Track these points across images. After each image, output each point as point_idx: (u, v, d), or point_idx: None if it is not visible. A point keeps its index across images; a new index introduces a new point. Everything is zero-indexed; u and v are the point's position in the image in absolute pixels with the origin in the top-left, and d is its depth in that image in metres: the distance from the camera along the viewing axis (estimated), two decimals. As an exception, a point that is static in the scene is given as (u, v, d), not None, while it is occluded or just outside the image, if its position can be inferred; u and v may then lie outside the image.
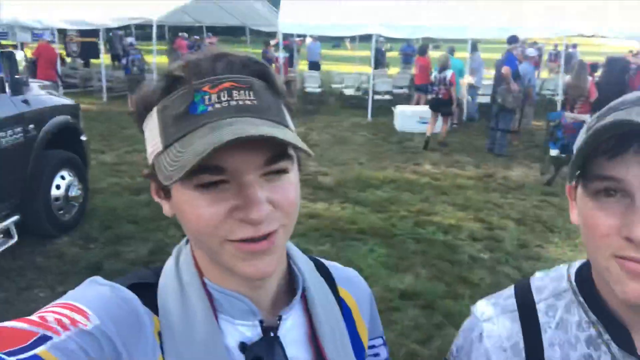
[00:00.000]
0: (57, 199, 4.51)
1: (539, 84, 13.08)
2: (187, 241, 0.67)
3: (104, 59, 13.87)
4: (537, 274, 0.78)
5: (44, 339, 0.50)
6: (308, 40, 16.73)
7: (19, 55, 3.99)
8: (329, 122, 10.66)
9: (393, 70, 15.78)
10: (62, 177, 4.59)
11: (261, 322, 0.64)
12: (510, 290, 0.78)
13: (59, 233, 4.54)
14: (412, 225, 5.12)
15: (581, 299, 0.70)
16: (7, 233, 3.83)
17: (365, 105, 11.13)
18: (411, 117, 9.84)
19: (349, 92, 12.96)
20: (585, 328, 0.68)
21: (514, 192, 6.29)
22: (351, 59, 20.90)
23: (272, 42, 14.51)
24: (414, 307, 3.61)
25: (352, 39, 22.39)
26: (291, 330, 0.66)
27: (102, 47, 13.12)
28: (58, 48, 14.19)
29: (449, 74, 8.24)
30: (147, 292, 0.62)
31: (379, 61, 14.91)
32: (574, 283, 0.72)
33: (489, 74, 11.33)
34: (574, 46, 18.05)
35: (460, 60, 10.55)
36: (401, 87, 13.01)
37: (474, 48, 10.79)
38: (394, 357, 3.05)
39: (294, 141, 0.54)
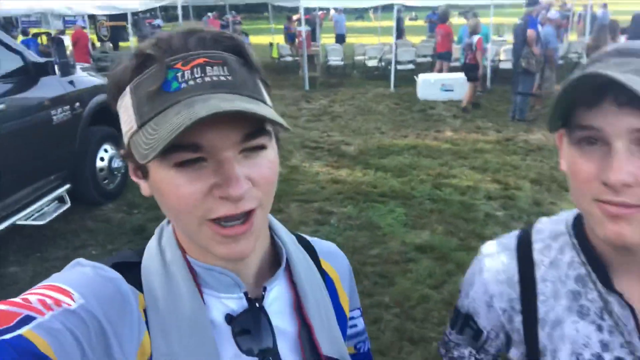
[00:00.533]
0: (101, 169, 4.94)
1: (565, 47, 12.84)
2: (169, 221, 0.67)
3: (133, 41, 14.33)
4: (543, 219, 0.84)
5: (28, 320, 0.50)
6: (331, 13, 16.76)
7: (67, 40, 4.38)
8: (353, 94, 10.84)
9: (416, 39, 15.72)
10: (105, 151, 5.00)
11: (246, 294, 0.65)
12: (515, 232, 0.86)
13: (105, 200, 4.99)
14: (430, 187, 5.38)
15: (575, 241, 0.75)
16: (61, 199, 4.33)
17: (389, 76, 11.26)
18: (434, 84, 9.94)
19: (371, 63, 13.04)
20: (576, 267, 0.74)
21: (533, 155, 6.44)
22: (374, 30, 20.80)
23: (295, 17, 14.67)
24: (428, 259, 3.90)
25: (375, 9, 22.19)
26: (276, 300, 0.68)
27: (130, 30, 13.57)
28: (89, 33, 14.74)
29: (475, 39, 8.38)
30: (130, 271, 0.62)
31: (402, 30, 14.89)
32: (570, 227, 0.78)
33: (510, 39, 11.23)
34: (604, 6, 17.47)
35: (486, 26, 10.48)
36: (425, 56, 13.02)
37: (474, 14, 10.74)
38: (409, 300, 3.37)
39: (270, 116, 0.53)
